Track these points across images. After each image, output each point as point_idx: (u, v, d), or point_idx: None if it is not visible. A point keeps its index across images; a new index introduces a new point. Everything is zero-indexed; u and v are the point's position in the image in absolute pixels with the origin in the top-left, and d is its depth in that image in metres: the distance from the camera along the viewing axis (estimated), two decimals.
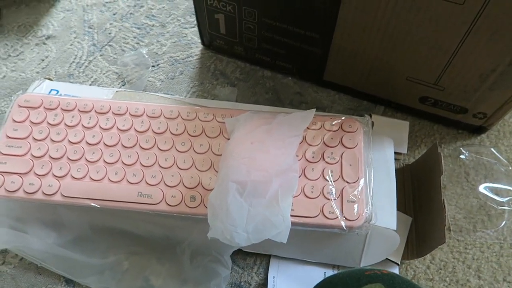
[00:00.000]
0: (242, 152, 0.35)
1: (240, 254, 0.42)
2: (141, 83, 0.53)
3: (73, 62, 0.55)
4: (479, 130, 0.50)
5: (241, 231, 0.33)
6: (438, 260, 0.43)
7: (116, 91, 0.47)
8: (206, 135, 0.41)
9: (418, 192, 0.46)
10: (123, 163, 0.39)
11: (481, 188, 0.46)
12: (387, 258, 0.41)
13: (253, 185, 0.34)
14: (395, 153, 0.46)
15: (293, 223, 0.37)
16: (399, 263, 0.41)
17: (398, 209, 0.42)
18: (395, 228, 0.40)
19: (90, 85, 0.53)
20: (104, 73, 0.55)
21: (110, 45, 0.57)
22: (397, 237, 0.39)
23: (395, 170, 0.43)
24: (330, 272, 0.41)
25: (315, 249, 0.40)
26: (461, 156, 0.47)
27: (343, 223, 0.37)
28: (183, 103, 0.45)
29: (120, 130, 0.41)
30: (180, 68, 0.55)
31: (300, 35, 0.46)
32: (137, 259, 0.41)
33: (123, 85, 0.53)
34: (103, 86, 0.53)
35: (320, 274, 0.41)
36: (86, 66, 0.55)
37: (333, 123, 0.41)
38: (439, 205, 0.40)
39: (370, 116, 0.48)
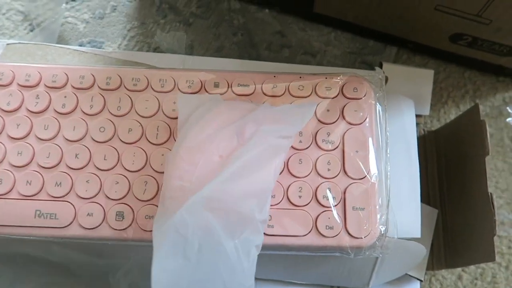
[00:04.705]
0: (206, 177, 0.21)
1: None
2: (56, 26, 0.37)
3: None
4: None
5: None
6: (472, 266, 0.32)
7: (7, 44, 0.31)
8: (137, 113, 0.27)
9: (446, 172, 0.33)
10: (11, 164, 0.26)
11: None
12: (406, 273, 0.29)
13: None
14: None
15: (272, 247, 0.25)
16: (422, 279, 0.30)
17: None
18: (419, 235, 0.28)
19: None
20: (4, 13, 0.38)
21: None
22: (422, 249, 0.28)
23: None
24: None
25: (306, 268, 0.29)
26: (507, 119, 0.34)
27: (346, 243, 0.25)
28: (107, 62, 0.30)
29: (3, 111, 0.27)
30: (112, 2, 0.39)
31: None
32: None
33: (31, 31, 0.38)
34: (2, 33, 0.37)
35: None
36: None
37: (330, 85, 0.27)
38: (482, 199, 0.28)
39: (381, 67, 0.34)
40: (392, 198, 0.26)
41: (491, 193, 0.27)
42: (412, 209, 0.28)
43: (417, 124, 0.35)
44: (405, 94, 0.33)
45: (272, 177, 0.22)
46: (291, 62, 0.37)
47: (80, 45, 0.37)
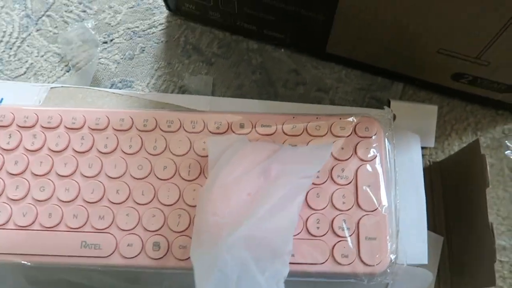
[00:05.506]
0: (237, 213, 0.24)
1: None
2: (91, 68, 0.41)
3: (1, 41, 0.43)
4: None
5: None
6: None
7: (51, 88, 0.35)
8: (171, 152, 0.30)
9: (451, 200, 0.36)
10: (59, 199, 0.29)
11: None
12: None
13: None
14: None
15: (293, 273, 0.27)
16: None
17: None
18: (426, 262, 0.31)
19: (25, 73, 0.41)
20: (42, 55, 0.42)
21: (48, 16, 0.44)
22: (429, 275, 0.30)
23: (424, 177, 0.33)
24: None
25: None
26: (506, 152, 0.37)
27: (360, 270, 0.27)
28: (141, 103, 0.33)
29: (53, 151, 0.30)
30: (141, 44, 0.42)
31: None
32: None
33: (67, 71, 0.41)
34: (41, 74, 0.41)
35: None
36: (19, 47, 0.42)
37: (344, 125, 0.30)
38: (483, 228, 0.30)
39: (389, 104, 0.37)
40: (400, 227, 0.29)
41: (491, 223, 0.30)
42: (419, 237, 0.31)
43: (423, 155, 0.38)
44: (412, 128, 0.36)
45: (297, 213, 0.25)
46: (306, 98, 0.40)
47: (112, 84, 0.41)
